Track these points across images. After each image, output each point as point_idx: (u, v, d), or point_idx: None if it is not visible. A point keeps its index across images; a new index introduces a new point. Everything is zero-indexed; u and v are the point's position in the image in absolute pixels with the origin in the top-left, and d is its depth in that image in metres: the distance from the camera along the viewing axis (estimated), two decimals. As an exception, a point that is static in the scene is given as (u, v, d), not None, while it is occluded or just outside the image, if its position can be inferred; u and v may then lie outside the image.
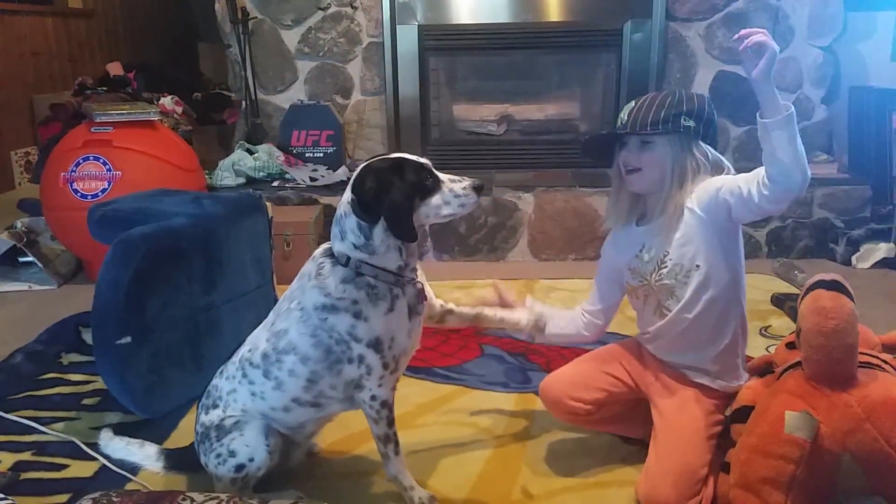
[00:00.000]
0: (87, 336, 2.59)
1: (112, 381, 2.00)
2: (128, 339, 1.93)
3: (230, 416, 1.62)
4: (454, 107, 4.02)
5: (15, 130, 5.22)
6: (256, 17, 3.76)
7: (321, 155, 3.78)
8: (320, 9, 3.75)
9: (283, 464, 1.69)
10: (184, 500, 1.49)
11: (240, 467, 1.58)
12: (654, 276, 1.71)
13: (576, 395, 1.81)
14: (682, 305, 1.68)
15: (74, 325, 2.66)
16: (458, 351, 2.50)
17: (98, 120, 3.11)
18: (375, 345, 1.53)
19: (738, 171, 1.64)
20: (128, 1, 7.00)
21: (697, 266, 1.65)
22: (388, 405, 1.60)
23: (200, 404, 1.69)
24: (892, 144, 3.53)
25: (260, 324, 1.68)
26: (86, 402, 2.20)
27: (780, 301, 2.89)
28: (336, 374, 1.56)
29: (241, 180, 3.59)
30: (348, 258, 1.52)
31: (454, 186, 1.52)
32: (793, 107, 1.44)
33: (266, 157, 3.60)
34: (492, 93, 4.06)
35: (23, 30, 5.35)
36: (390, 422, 1.61)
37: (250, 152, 3.66)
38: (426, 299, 1.62)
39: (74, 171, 3.06)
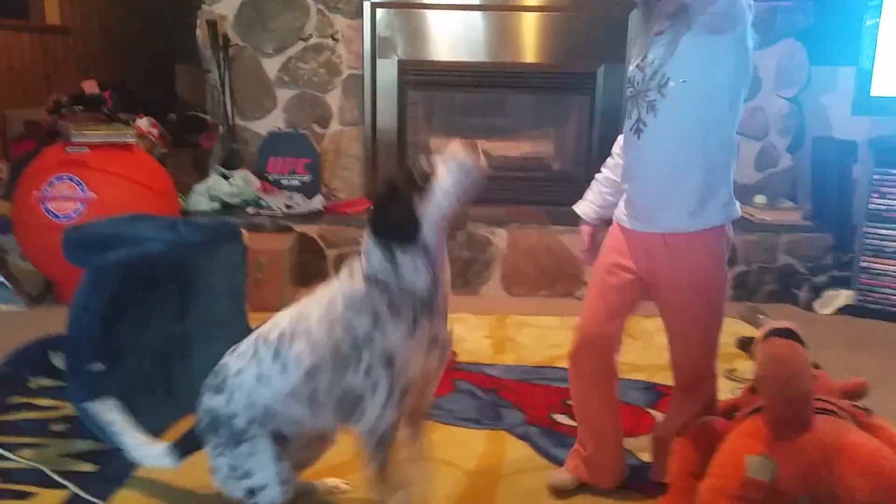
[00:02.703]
0: (57, 360, 2.55)
1: (83, 409, 1.97)
2: (100, 366, 1.92)
3: (237, 416, 1.59)
4: (432, 140, 4.08)
5: (-15, 146, 5.16)
6: (238, 44, 3.79)
7: (297, 183, 3.80)
8: (302, 39, 3.80)
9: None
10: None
11: (251, 491, 1.58)
12: (643, 84, 1.66)
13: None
14: (660, 119, 1.63)
15: (43, 348, 2.61)
16: (429, 385, 2.51)
17: (74, 140, 3.10)
18: (387, 362, 1.50)
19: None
20: (106, 19, 6.98)
21: (684, 81, 1.59)
22: (384, 443, 1.56)
23: (205, 383, 1.65)
24: (852, 194, 3.68)
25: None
26: (54, 428, 2.17)
27: (744, 344, 2.92)
28: (339, 375, 1.53)
29: (216, 205, 3.59)
30: (377, 280, 1.51)
31: (447, 161, 1.47)
32: None
33: (242, 182, 3.61)
34: (468, 128, 4.12)
35: (-2, 45, 5.31)
36: (384, 463, 1.57)
37: (226, 177, 3.66)
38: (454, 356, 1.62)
39: (48, 191, 3.04)
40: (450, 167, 1.46)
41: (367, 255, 1.52)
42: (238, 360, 1.63)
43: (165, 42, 7.58)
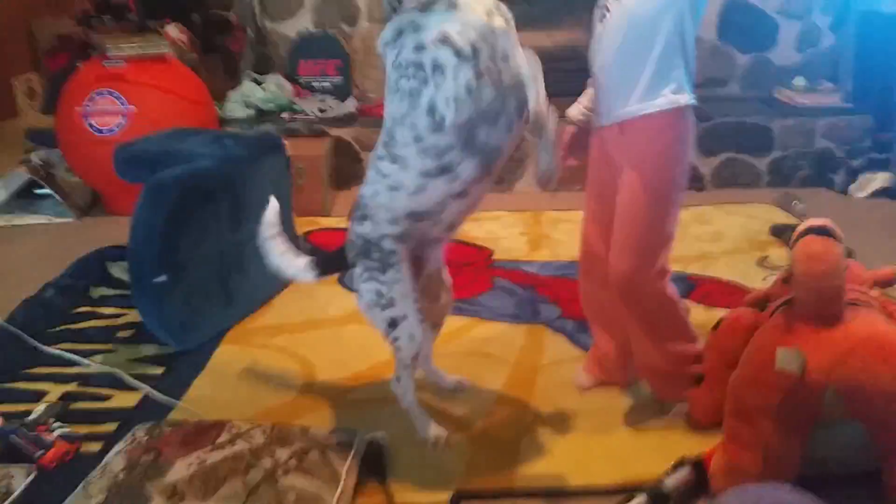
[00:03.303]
0: (114, 270, 2.71)
1: (150, 317, 2.12)
2: (163, 278, 2.04)
3: (385, 237, 1.63)
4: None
5: (15, 57, 5.19)
6: (263, -56, 3.71)
7: (329, 85, 3.81)
8: (326, -66, 3.71)
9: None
10: (231, 429, 1.65)
11: (392, 323, 1.67)
12: None
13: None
14: (621, 4, 1.63)
15: (100, 259, 2.76)
16: (470, 284, 2.61)
17: (110, 54, 3.13)
18: (442, 41, 1.46)
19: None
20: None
21: None
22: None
23: (351, 216, 1.71)
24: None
25: None
26: (120, 334, 2.32)
27: (779, 231, 2.99)
28: (418, 109, 1.50)
29: (251, 112, 3.63)
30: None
31: None
32: None
33: (275, 88, 3.63)
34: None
35: (20, -48, 5.23)
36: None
37: (258, 83, 3.68)
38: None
39: (89, 106, 3.11)
40: None
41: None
42: (370, 186, 1.65)
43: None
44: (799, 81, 3.74)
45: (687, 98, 1.67)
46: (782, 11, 3.79)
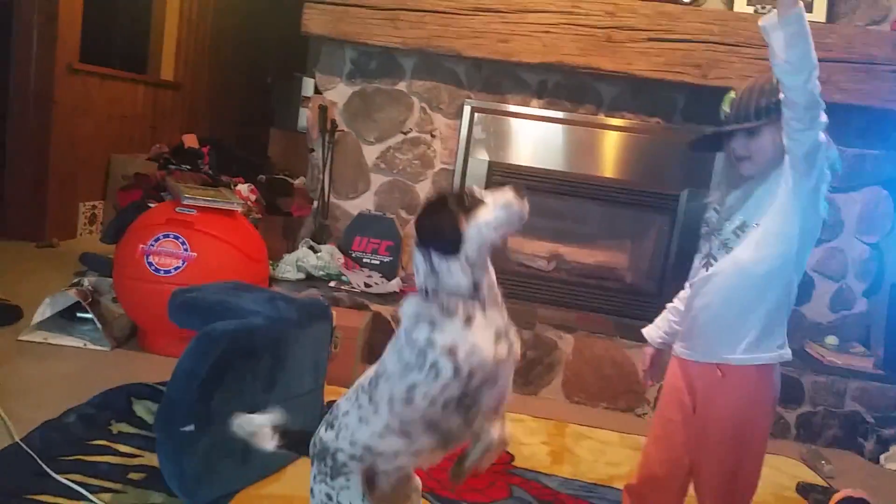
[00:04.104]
0: (138, 408, 2.70)
1: (168, 465, 2.09)
2: (191, 427, 2.04)
3: (341, 451, 1.69)
4: (509, 238, 4.21)
5: (88, 184, 5.53)
6: (343, 130, 4.04)
7: (378, 263, 3.96)
8: (402, 132, 4.04)
9: None
10: None
11: None
12: (718, 223, 1.80)
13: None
14: (730, 256, 1.75)
15: (126, 394, 2.77)
16: (486, 488, 2.55)
17: (185, 202, 3.33)
18: (450, 352, 1.54)
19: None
20: (214, 78, 7.47)
21: (756, 224, 1.72)
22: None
23: (324, 418, 1.79)
24: (927, 346, 3.63)
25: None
26: (132, 476, 2.27)
27: (805, 491, 2.92)
28: (403, 379, 1.59)
29: (301, 276, 3.77)
30: (424, 288, 1.59)
31: (497, 198, 1.58)
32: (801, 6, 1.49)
33: (328, 257, 3.79)
34: (545, 231, 4.26)
35: (117, 94, 5.75)
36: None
37: (314, 250, 3.85)
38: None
39: (153, 246, 3.25)
40: (497, 202, 1.58)
41: (415, 268, 1.61)
42: (346, 403, 1.74)
43: (265, 106, 8.06)
44: (831, 340, 3.81)
45: (788, 354, 1.78)
46: (820, 271, 3.95)
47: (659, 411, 1.96)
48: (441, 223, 1.57)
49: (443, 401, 1.57)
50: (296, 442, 1.85)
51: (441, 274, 1.57)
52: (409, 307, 1.64)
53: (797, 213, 1.68)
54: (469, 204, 1.58)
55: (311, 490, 1.76)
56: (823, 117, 1.58)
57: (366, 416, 1.68)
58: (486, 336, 1.58)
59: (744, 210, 1.73)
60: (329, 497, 1.71)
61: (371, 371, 1.75)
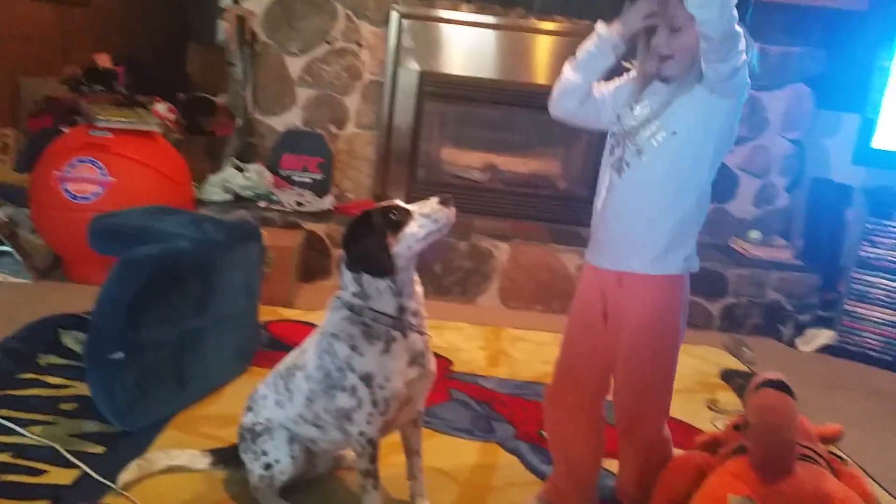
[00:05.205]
0: (66, 338, 2.63)
1: (100, 393, 2.06)
2: (120, 355, 2.00)
3: (259, 423, 1.82)
4: (442, 150, 4.17)
5: (-6, 110, 5.20)
6: (264, 41, 3.86)
7: (309, 181, 3.89)
8: (327, 42, 3.88)
9: (310, 470, 1.89)
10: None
11: (267, 466, 1.79)
12: (634, 126, 1.70)
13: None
14: (643, 164, 1.68)
15: (53, 325, 2.69)
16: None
17: (99, 124, 3.17)
18: (367, 380, 1.67)
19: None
20: (124, -7, 7.02)
21: (674, 133, 1.65)
22: (373, 443, 1.73)
23: (245, 406, 1.90)
24: (843, 238, 3.82)
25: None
26: (63, 406, 2.23)
27: (728, 376, 3.09)
28: (331, 398, 1.71)
29: (229, 197, 3.68)
30: (352, 305, 1.69)
31: (423, 209, 1.67)
32: None
33: (256, 176, 3.69)
34: (479, 142, 4.23)
35: (18, 13, 5.35)
36: (373, 458, 1.74)
37: (240, 170, 3.74)
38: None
39: (69, 172, 3.11)
40: (423, 212, 1.67)
41: (343, 284, 1.71)
42: (265, 388, 1.86)
43: (181, 20, 7.62)
44: (754, 234, 3.96)
45: (695, 266, 1.79)
46: (744, 168, 4.06)
47: (574, 315, 1.92)
48: (372, 249, 1.63)
49: (364, 417, 1.69)
50: (226, 455, 1.95)
51: (370, 296, 1.66)
52: (335, 314, 1.71)
53: (714, 127, 1.65)
54: (396, 218, 1.65)
55: (246, 469, 1.85)
56: (743, 45, 1.51)
57: (282, 401, 1.81)
58: (400, 366, 1.68)
59: (663, 118, 1.66)
60: (255, 455, 1.81)
61: (290, 358, 1.85)
